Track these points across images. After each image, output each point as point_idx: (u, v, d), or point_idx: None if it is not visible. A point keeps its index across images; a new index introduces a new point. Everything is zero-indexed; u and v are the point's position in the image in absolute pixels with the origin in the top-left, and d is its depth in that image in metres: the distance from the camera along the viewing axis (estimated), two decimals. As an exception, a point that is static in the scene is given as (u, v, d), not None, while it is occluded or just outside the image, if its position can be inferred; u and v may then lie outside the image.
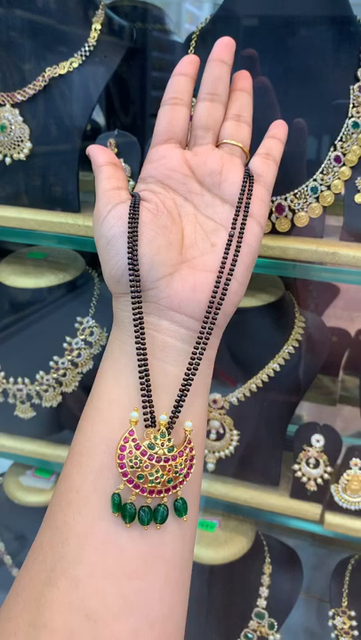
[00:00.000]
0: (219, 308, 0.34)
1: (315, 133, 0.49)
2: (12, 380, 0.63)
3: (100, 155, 0.39)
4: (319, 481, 0.60)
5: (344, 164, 0.48)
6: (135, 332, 0.33)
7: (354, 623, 0.64)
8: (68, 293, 0.64)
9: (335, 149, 0.48)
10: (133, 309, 0.34)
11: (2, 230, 0.57)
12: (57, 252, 0.68)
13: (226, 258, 0.35)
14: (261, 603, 0.67)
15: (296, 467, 0.60)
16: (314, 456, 0.59)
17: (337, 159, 0.48)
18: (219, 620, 0.69)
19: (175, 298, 0.34)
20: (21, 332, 0.65)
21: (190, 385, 0.33)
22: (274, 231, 0.50)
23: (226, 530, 0.68)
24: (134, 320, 0.34)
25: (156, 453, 0.31)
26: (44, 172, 0.56)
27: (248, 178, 0.38)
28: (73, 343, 0.63)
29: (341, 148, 0.48)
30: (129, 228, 0.34)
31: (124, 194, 0.37)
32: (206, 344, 0.34)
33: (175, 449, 0.32)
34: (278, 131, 0.42)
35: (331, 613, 0.65)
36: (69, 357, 0.62)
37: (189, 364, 0.33)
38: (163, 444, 0.32)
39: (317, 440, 0.59)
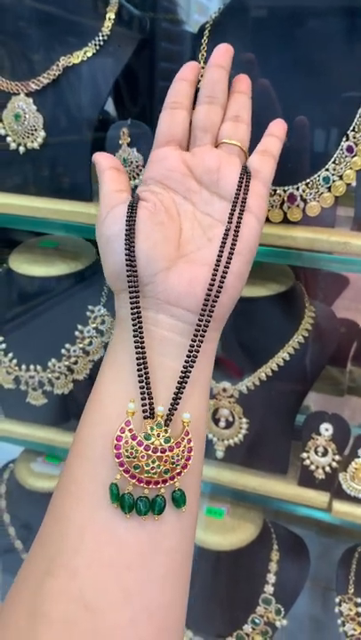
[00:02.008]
0: (216, 301, 0.35)
1: (328, 123, 0.49)
2: (24, 367, 0.64)
3: (104, 160, 0.41)
4: (327, 469, 0.60)
5: (356, 155, 0.48)
6: (133, 325, 0.34)
7: (360, 610, 0.64)
8: (80, 282, 0.65)
9: (347, 139, 0.48)
10: (131, 302, 0.35)
11: (14, 219, 0.58)
12: (68, 241, 0.69)
13: (222, 251, 0.36)
14: (268, 589, 0.68)
15: (304, 455, 0.60)
16: (322, 444, 0.60)
17: (349, 149, 0.48)
18: (226, 605, 0.70)
19: (172, 291, 0.35)
20: (33, 319, 0.66)
21: (188, 377, 0.33)
22: (285, 220, 0.51)
23: (234, 517, 0.69)
24: (132, 313, 0.34)
25: (152, 444, 0.32)
26: (57, 161, 0.56)
27: (245, 173, 0.39)
28: (85, 331, 0.63)
29: (354, 137, 0.48)
30: (126, 225, 0.36)
31: (124, 195, 0.39)
32: (204, 336, 0.34)
33: (172, 440, 0.32)
34: (277, 129, 0.43)
35: (337, 600, 0.66)
36: (81, 345, 0.63)
37: (187, 356, 0.34)
38: (159, 435, 0.32)
39: (326, 429, 0.59)
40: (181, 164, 0.40)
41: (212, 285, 0.35)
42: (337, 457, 0.60)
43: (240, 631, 0.68)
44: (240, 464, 0.64)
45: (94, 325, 0.63)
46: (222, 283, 0.35)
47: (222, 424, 0.61)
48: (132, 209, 0.37)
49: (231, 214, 0.37)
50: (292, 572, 0.70)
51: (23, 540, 0.77)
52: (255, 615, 0.68)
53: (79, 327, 0.63)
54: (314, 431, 0.60)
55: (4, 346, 0.66)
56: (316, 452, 0.60)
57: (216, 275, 0.35)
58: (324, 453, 0.60)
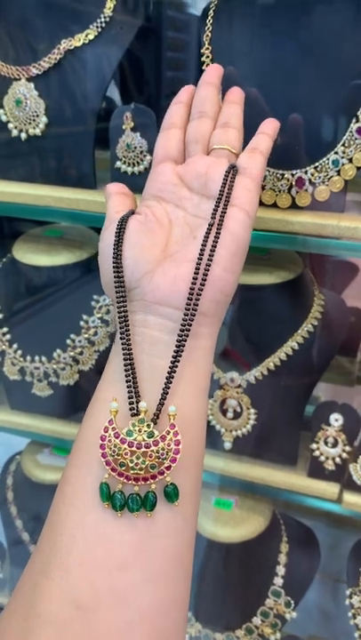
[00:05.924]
0: (199, 294, 0.35)
1: (337, 105, 0.48)
2: (29, 358, 0.64)
3: (112, 187, 0.44)
4: (337, 460, 0.59)
5: (366, 137, 0.47)
6: (120, 326, 0.35)
7: (371, 602, 0.63)
8: (85, 272, 0.64)
9: (357, 121, 0.47)
10: (118, 304, 0.36)
11: (19, 207, 0.57)
12: (73, 230, 0.68)
13: (205, 245, 0.36)
14: (278, 581, 0.68)
15: (314, 446, 0.59)
16: (332, 435, 0.59)
17: (359, 131, 0.47)
18: (236, 597, 0.69)
19: (158, 291, 0.36)
20: (38, 310, 0.65)
21: (175, 373, 0.33)
22: (294, 206, 0.49)
23: (243, 508, 0.68)
24: (118, 315, 0.35)
25: (135, 440, 0.32)
26: (60, 147, 0.55)
27: (230, 170, 0.39)
28: (90, 321, 0.62)
29: (364, 119, 0.46)
30: (115, 236, 0.38)
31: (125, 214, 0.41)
32: (189, 331, 0.34)
33: (156, 434, 0.32)
34: (268, 127, 0.44)
35: (348, 592, 0.65)
36: (86, 336, 0.62)
37: (175, 351, 0.34)
38: (141, 431, 0.32)
39: (336, 419, 0.58)
40: (174, 176, 0.41)
41: (196, 279, 0.35)
42: (347, 447, 0.59)
43: (249, 623, 0.68)
44: (249, 455, 0.63)
45: (99, 315, 0.63)
46: (205, 276, 0.35)
47: (230, 415, 0.60)
48: (123, 222, 0.38)
49: (215, 209, 0.38)
50: (301, 564, 0.69)
51: (30, 532, 0.77)
52: (265, 607, 0.67)
53: (84, 317, 0.63)
54: (324, 422, 0.59)
55: (8, 337, 0.65)
56: (326, 443, 0.59)
57: (199, 269, 0.35)
58: (335, 444, 0.59)
